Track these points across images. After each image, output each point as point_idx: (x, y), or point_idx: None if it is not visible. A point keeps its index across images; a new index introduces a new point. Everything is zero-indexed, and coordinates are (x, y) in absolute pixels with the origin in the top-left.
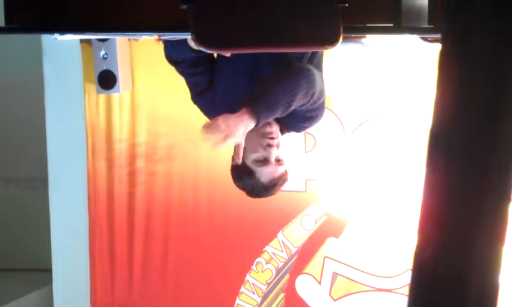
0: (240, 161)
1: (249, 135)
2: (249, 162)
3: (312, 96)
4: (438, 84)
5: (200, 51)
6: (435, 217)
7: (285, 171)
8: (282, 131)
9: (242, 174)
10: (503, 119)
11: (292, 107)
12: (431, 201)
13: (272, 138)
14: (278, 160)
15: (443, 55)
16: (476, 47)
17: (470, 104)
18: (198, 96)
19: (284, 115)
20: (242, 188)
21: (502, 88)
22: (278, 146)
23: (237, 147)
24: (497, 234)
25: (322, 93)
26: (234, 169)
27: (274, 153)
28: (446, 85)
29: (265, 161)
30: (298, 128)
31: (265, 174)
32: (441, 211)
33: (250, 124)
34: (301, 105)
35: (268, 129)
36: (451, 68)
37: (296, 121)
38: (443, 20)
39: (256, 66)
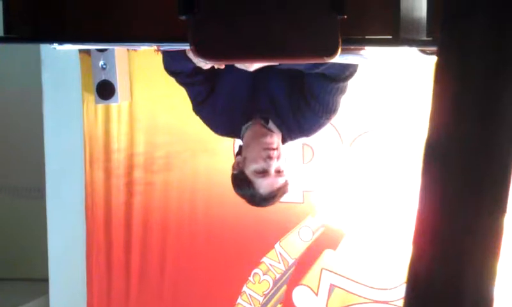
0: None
1: (251, 145)
2: (248, 173)
3: (350, 74)
4: (433, 95)
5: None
6: (430, 229)
7: (285, 182)
8: (285, 139)
9: (242, 184)
10: (498, 131)
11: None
12: (425, 213)
13: (272, 149)
14: (278, 172)
15: (439, 68)
16: (472, 60)
17: (465, 116)
18: (199, 106)
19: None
20: (242, 197)
21: (497, 101)
22: (278, 157)
23: None
24: (492, 246)
25: (346, 90)
26: (234, 177)
27: (274, 165)
28: (441, 97)
29: (264, 172)
30: (310, 126)
31: (264, 185)
32: (436, 222)
33: None
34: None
35: (269, 140)
36: (447, 80)
37: (316, 108)
38: (439, 32)
39: (260, 73)
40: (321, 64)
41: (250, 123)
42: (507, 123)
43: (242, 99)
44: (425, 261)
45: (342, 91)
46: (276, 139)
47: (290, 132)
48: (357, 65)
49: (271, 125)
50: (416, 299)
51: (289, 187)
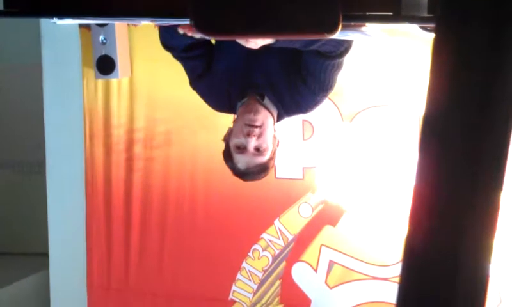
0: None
1: (238, 119)
2: (231, 145)
3: (345, 50)
4: (431, 71)
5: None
6: (426, 203)
7: (266, 160)
8: (281, 116)
9: (226, 155)
10: (497, 106)
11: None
12: (422, 187)
13: (254, 126)
14: (257, 150)
15: (438, 42)
16: (471, 34)
17: (464, 91)
18: (196, 81)
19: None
20: (228, 167)
21: (496, 75)
22: (260, 135)
23: None
24: (489, 222)
25: (342, 66)
26: (224, 148)
27: (253, 143)
28: (439, 72)
29: (243, 149)
30: (307, 103)
31: (241, 161)
32: (433, 196)
33: None
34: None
35: (252, 116)
36: (445, 55)
37: (312, 85)
38: (438, 5)
39: (256, 50)
40: (316, 41)
41: (246, 98)
42: (506, 98)
43: (238, 75)
44: (422, 235)
45: (338, 67)
46: (261, 116)
47: (286, 109)
48: (352, 40)
49: (267, 101)
50: (411, 273)
51: (270, 167)
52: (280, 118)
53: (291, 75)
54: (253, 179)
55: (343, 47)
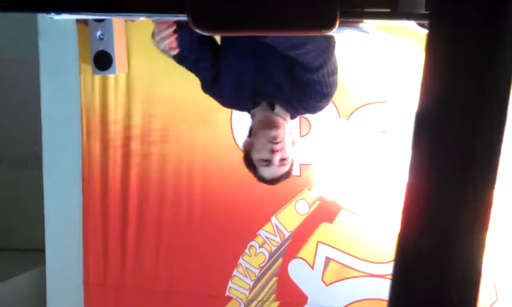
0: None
1: (257, 134)
2: (254, 158)
3: (325, 63)
4: (424, 66)
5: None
6: (419, 199)
7: (289, 168)
8: (293, 116)
9: (249, 165)
10: (489, 102)
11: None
12: (415, 183)
13: (276, 143)
14: (282, 160)
15: (431, 38)
16: (464, 31)
17: (457, 87)
18: (207, 87)
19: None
20: (252, 174)
21: (488, 71)
22: (282, 149)
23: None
24: (481, 218)
25: (336, 69)
26: (243, 157)
27: (277, 158)
28: (433, 68)
29: (268, 162)
30: (313, 108)
31: (267, 173)
32: (426, 193)
33: None
34: (311, 68)
35: (274, 133)
36: (438, 51)
37: (312, 95)
38: (433, 2)
39: (263, 58)
40: (297, 47)
41: (258, 108)
42: (498, 93)
43: (247, 84)
44: (414, 232)
45: (330, 74)
46: (281, 130)
47: (296, 111)
48: (332, 46)
49: (278, 108)
50: (404, 270)
51: (292, 170)
52: (292, 117)
53: (294, 85)
54: (277, 183)
55: (322, 59)
